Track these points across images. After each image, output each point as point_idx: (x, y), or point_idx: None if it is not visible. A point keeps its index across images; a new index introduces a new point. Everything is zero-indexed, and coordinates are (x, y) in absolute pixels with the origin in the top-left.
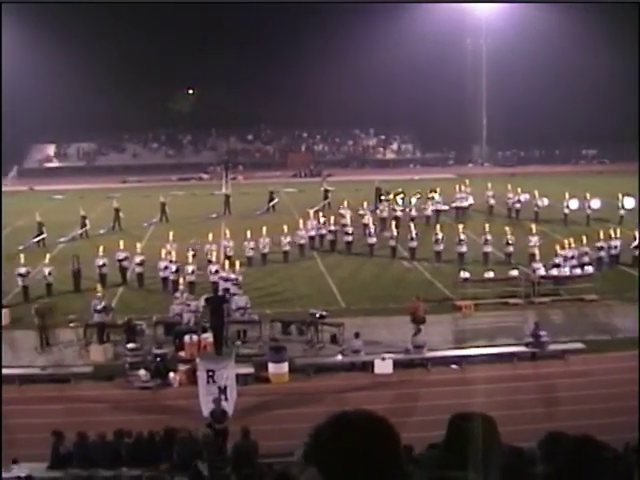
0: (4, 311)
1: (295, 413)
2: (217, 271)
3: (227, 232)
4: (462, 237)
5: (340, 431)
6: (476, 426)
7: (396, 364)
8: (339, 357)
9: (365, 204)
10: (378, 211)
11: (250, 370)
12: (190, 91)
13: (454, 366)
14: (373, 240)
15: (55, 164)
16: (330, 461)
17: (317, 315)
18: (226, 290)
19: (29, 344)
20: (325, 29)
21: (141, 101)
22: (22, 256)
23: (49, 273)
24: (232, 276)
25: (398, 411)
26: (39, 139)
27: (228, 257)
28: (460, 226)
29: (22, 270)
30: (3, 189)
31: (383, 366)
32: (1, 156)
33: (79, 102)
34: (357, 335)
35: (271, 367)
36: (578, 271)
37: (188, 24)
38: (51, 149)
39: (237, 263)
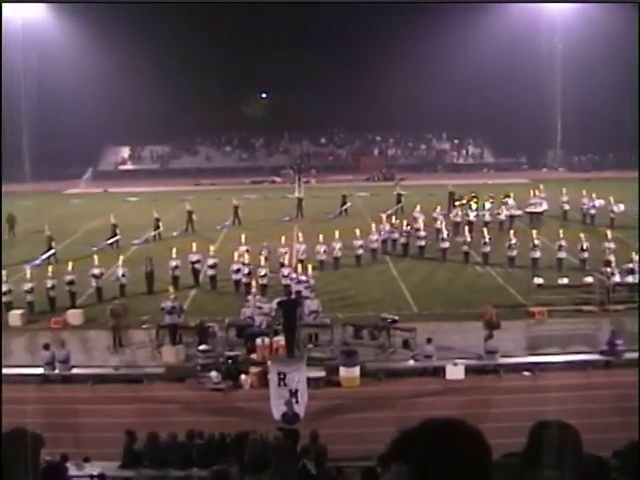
0: (78, 311)
1: (366, 417)
2: (289, 274)
3: (299, 235)
4: (536, 243)
5: (431, 436)
6: (559, 435)
7: (468, 370)
8: (411, 362)
9: (438, 208)
10: (451, 216)
11: (321, 374)
12: (263, 95)
13: (527, 373)
14: (446, 245)
15: (129, 167)
16: (417, 465)
17: (389, 320)
18: (298, 293)
19: (102, 344)
20: (398, 31)
21: (214, 105)
22: (96, 257)
23: (122, 274)
24: (304, 279)
25: (469, 417)
26: (114, 142)
27: (300, 260)
28: (534, 232)
29: (96, 271)
30: (77, 191)
31: (455, 372)
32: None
33: (154, 105)
34: (429, 340)
35: (342, 371)
36: None
37: (262, 27)
38: (125, 152)
39: (309, 266)
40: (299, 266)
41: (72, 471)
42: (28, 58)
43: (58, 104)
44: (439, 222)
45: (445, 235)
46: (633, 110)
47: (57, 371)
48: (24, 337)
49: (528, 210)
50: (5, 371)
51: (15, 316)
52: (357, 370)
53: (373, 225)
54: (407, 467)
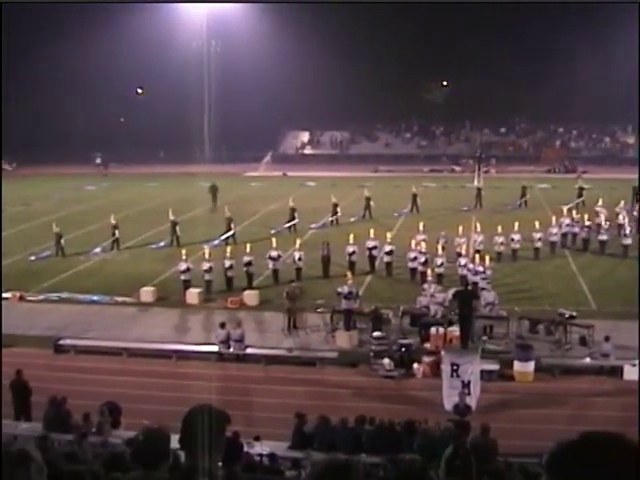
0: (254, 292)
1: (538, 413)
2: (466, 264)
3: (477, 225)
4: None
5: (589, 450)
6: None
7: None
8: (587, 360)
9: (622, 203)
10: (635, 211)
11: (495, 366)
12: (444, 82)
13: None
14: (628, 241)
15: (308, 151)
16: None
17: (566, 315)
18: (474, 284)
19: (277, 326)
20: (582, 23)
21: (395, 91)
22: (274, 240)
23: (299, 258)
24: (481, 270)
25: None
26: (294, 126)
27: (478, 251)
28: None
29: (273, 253)
30: (256, 173)
31: (633, 372)
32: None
33: (334, 91)
34: (607, 338)
35: (517, 365)
36: None
37: (444, 13)
38: (305, 136)
39: (487, 257)
40: (476, 257)
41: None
42: (212, 45)
43: (240, 89)
44: (622, 217)
45: (628, 231)
46: None
47: (232, 350)
48: (201, 315)
49: None
50: (182, 347)
51: (193, 294)
52: (532, 365)
53: (553, 218)
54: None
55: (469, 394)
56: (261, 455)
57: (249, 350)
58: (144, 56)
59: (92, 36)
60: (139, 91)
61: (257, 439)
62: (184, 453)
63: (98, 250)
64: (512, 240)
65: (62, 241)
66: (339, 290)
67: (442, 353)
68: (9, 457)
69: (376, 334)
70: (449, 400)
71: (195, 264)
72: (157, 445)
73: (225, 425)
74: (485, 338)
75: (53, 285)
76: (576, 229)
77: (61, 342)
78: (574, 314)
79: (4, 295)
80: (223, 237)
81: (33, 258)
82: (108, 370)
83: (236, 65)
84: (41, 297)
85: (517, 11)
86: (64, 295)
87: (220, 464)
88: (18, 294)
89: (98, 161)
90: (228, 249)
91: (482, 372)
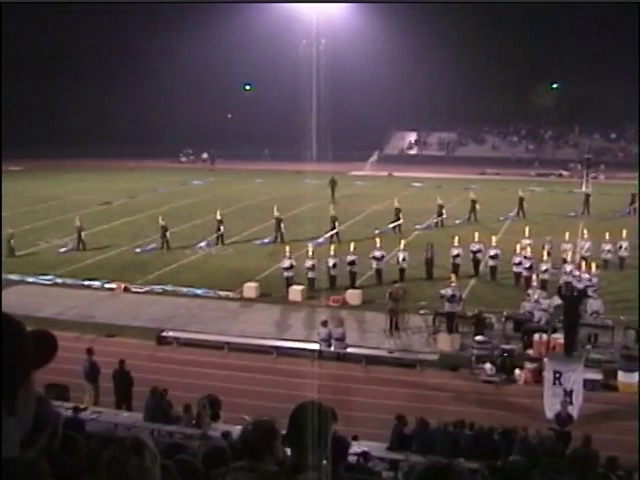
0: (357, 292)
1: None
2: (572, 271)
3: (585, 232)
4: None
5: None
6: None
7: None
8: None
9: None
10: None
11: (598, 376)
12: (554, 85)
13: None
14: None
15: (415, 152)
16: None
17: None
18: (580, 292)
19: (378, 326)
20: None
21: (503, 93)
22: (378, 240)
23: (403, 259)
24: (587, 277)
25: None
26: (401, 126)
27: (584, 258)
28: None
29: (377, 253)
30: (362, 173)
31: None
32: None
33: (442, 92)
34: None
35: (621, 375)
36: None
37: (553, 17)
38: (412, 137)
39: (593, 265)
40: (582, 263)
41: None
42: (322, 44)
43: (348, 88)
44: None
45: None
46: None
47: (332, 348)
48: (302, 312)
49: None
50: (283, 344)
51: (295, 291)
52: (636, 376)
53: None
54: None
55: (571, 403)
56: (358, 455)
57: (350, 349)
58: (253, 54)
59: (202, 34)
60: (247, 88)
61: (355, 439)
62: (290, 449)
63: (203, 244)
64: (620, 248)
65: (168, 234)
66: (442, 292)
67: (545, 360)
68: (123, 445)
69: (478, 338)
70: (551, 408)
71: (299, 261)
72: (265, 437)
73: (331, 423)
74: (589, 347)
75: (157, 277)
76: None
77: (164, 334)
78: None
79: (109, 285)
80: (327, 235)
81: (139, 250)
82: (209, 363)
83: (345, 65)
84: (146, 289)
85: (629, 11)
86: (168, 288)
87: (325, 462)
88: (123, 285)
89: (204, 156)
90: (332, 247)
91: (585, 381)
